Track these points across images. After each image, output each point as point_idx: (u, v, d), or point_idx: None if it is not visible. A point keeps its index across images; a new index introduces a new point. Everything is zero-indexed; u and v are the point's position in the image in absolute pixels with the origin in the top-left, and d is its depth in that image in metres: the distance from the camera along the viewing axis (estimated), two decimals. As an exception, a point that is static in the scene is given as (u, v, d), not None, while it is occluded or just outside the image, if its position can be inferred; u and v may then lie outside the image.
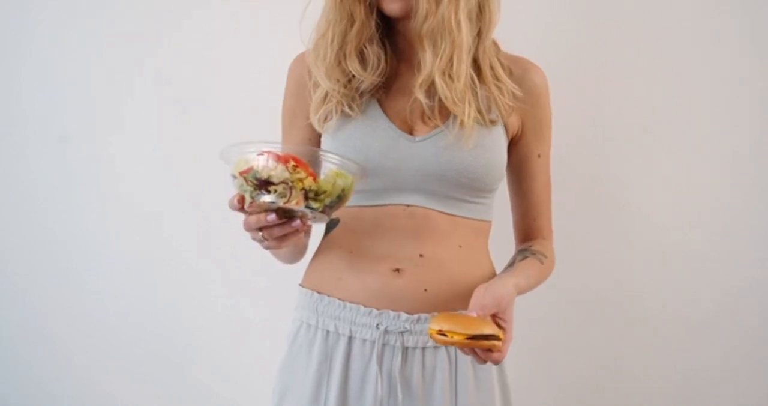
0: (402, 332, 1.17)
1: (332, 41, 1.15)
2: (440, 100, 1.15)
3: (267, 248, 1.09)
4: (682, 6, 1.57)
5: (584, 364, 1.66)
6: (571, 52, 1.59)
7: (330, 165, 1.03)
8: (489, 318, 1.05)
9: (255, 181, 0.99)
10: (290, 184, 0.99)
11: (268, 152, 0.99)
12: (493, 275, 1.24)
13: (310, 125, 1.24)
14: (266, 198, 1.00)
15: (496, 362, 1.05)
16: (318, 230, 1.26)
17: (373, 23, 1.16)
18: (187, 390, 1.77)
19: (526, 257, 1.24)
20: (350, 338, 1.19)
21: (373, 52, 1.16)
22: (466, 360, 1.18)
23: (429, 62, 1.12)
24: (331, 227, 1.24)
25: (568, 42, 1.60)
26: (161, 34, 1.71)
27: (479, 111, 1.16)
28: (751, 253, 1.60)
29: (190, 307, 1.75)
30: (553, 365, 1.66)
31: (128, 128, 1.74)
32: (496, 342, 1.02)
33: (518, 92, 1.20)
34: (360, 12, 1.14)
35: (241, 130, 1.65)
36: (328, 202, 1.03)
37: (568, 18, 1.60)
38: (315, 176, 1.01)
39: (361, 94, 1.17)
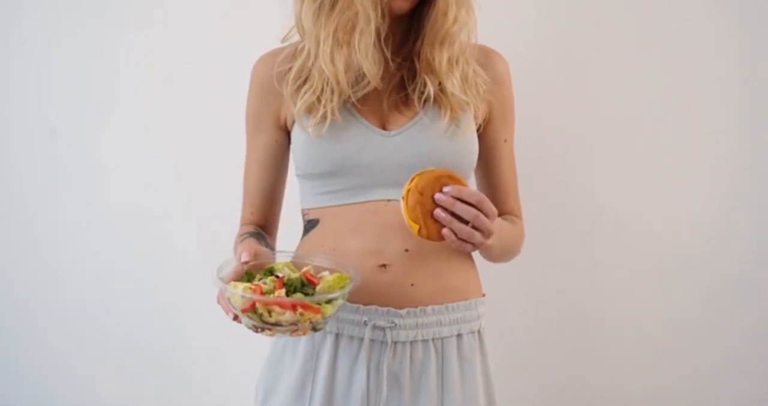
0: (390, 327, 1.16)
1: (366, 39, 1.12)
2: (416, 91, 1.17)
3: None
4: (670, 5, 1.57)
5: (568, 363, 1.66)
6: (556, 52, 1.59)
7: (327, 273, 1.06)
8: None
9: (260, 320, 1.00)
10: (298, 324, 1.00)
11: (272, 301, 0.99)
12: (474, 268, 1.26)
13: (276, 126, 1.24)
14: (271, 333, 1.01)
15: (488, 212, 1.05)
16: (296, 231, 1.27)
17: (384, 28, 1.15)
18: (186, 390, 1.77)
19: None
20: (337, 336, 1.18)
21: (379, 56, 1.16)
22: (452, 352, 1.19)
23: (445, 60, 1.15)
24: (310, 227, 1.23)
25: (553, 41, 1.59)
26: (154, 27, 1.70)
27: (469, 102, 1.19)
28: (737, 254, 1.60)
29: (189, 307, 1.74)
30: (537, 364, 1.66)
31: (122, 125, 1.73)
32: (450, 171, 1.04)
33: (487, 78, 1.22)
34: (377, 14, 1.12)
35: (235, 125, 1.66)
36: (331, 317, 1.05)
37: (554, 16, 1.59)
38: (319, 310, 1.01)
39: (355, 96, 1.16)
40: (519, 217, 1.32)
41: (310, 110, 1.17)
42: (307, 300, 1.00)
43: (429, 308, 1.18)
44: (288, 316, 0.99)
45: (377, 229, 1.17)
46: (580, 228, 1.62)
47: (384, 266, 1.16)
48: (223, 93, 1.65)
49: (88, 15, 1.71)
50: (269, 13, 1.52)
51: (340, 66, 1.14)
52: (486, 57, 1.25)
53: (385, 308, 1.17)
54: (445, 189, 1.04)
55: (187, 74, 1.69)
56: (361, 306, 1.17)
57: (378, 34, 1.14)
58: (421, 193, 1.03)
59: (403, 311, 1.17)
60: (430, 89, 1.16)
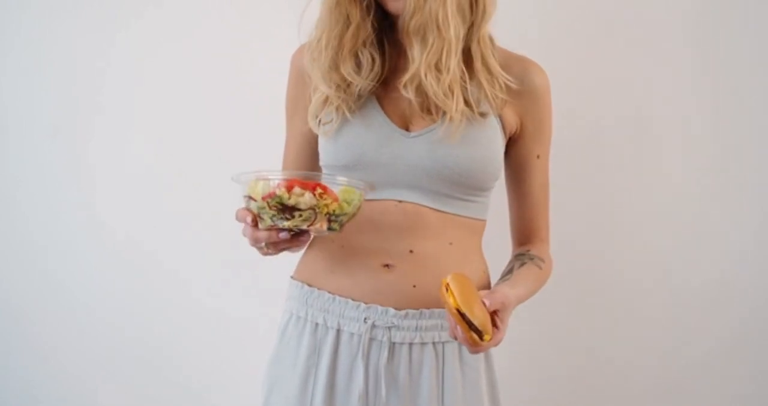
0: (389, 327, 1.17)
1: (327, 46, 1.15)
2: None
3: (266, 254, 1.13)
4: (676, 4, 1.58)
5: (577, 370, 1.66)
6: (562, 52, 1.60)
7: (339, 186, 1.06)
8: (488, 315, 1.04)
9: (279, 207, 1.01)
10: (316, 210, 1.02)
11: (293, 180, 1.02)
12: (486, 274, 1.25)
13: None
14: (289, 223, 1.02)
15: (469, 351, 1.07)
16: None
17: (369, 25, 1.16)
18: (184, 395, 1.76)
19: (524, 264, 1.23)
20: (338, 332, 1.19)
21: (368, 55, 1.16)
22: (453, 357, 1.18)
23: (417, 58, 1.12)
24: None
25: (561, 42, 1.61)
26: (147, 30, 1.71)
27: (468, 105, 1.15)
28: (736, 250, 1.62)
29: (187, 311, 1.75)
30: (546, 371, 1.66)
31: (113, 131, 1.73)
32: (476, 338, 1.02)
33: (513, 85, 1.18)
34: (356, 14, 1.14)
35: (226, 125, 1.68)
36: (345, 220, 1.07)
37: (559, 18, 1.61)
38: (337, 199, 1.03)
39: (360, 97, 1.17)
40: (545, 239, 1.29)
41: (321, 109, 1.19)
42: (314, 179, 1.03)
43: (429, 311, 1.18)
44: (307, 197, 1.01)
45: (384, 229, 1.17)
46: (591, 233, 1.62)
47: (388, 265, 1.17)
48: (217, 99, 1.68)
49: (79, 20, 1.72)
50: (271, 20, 1.53)
51: (319, 73, 1.16)
52: (523, 68, 1.21)
53: (385, 308, 1.17)
54: (458, 335, 1.04)
55: (180, 80, 1.70)
56: (362, 304, 1.18)
57: (357, 34, 1.15)
58: (449, 310, 1.03)
59: (403, 313, 1.17)
60: (410, 92, 1.14)
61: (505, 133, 1.21)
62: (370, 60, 1.16)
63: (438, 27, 1.10)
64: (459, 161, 1.15)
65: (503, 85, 1.18)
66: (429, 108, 1.16)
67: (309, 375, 1.20)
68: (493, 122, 1.18)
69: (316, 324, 1.21)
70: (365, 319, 1.17)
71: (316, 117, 1.20)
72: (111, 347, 1.77)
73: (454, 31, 1.11)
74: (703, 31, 1.58)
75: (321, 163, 1.24)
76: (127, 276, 1.76)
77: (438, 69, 1.12)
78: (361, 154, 1.16)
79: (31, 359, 1.81)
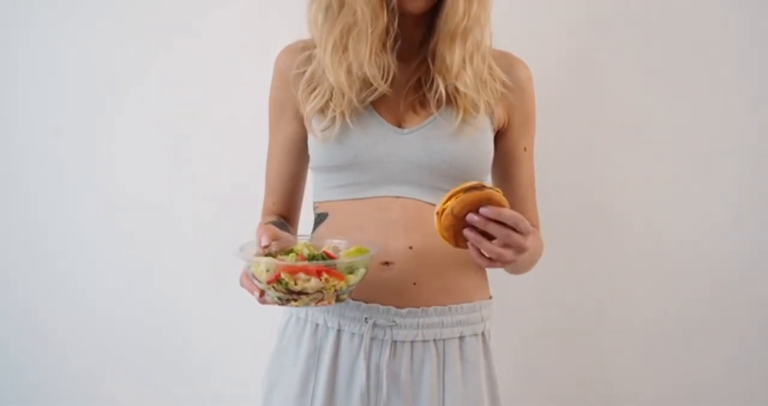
0: (390, 326, 1.16)
1: (354, 42, 1.13)
2: (432, 92, 1.16)
3: None
4: (676, 6, 1.58)
5: (575, 367, 1.66)
6: (562, 54, 1.60)
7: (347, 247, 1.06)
8: None
9: (286, 290, 1.00)
10: (323, 291, 1.01)
11: (296, 267, 1.00)
12: (483, 269, 1.24)
13: (297, 118, 1.24)
14: (298, 304, 1.01)
15: (523, 231, 1.01)
16: (307, 224, 1.27)
17: (393, 30, 1.15)
18: (184, 388, 1.77)
19: None
20: (339, 332, 1.18)
21: (387, 59, 1.16)
22: (454, 354, 1.18)
23: (458, 57, 1.15)
24: (319, 221, 1.23)
25: (557, 44, 1.60)
26: (161, 30, 1.71)
27: (487, 102, 1.19)
28: (748, 256, 1.61)
29: (188, 305, 1.75)
30: (544, 367, 1.66)
31: (124, 125, 1.73)
32: (492, 192, 0.98)
33: (507, 81, 1.22)
34: (383, 16, 1.13)
35: (234, 126, 1.67)
36: (353, 288, 1.06)
37: (558, 18, 1.60)
38: (343, 277, 1.02)
39: (363, 101, 1.17)
40: (536, 227, 1.30)
41: (319, 114, 1.18)
42: (331, 265, 1.01)
43: (431, 309, 1.17)
44: (313, 283, 0.99)
45: (383, 226, 1.16)
46: (590, 232, 1.62)
47: (387, 263, 1.16)
48: (227, 93, 1.68)
49: (96, 16, 1.71)
50: (272, 19, 1.53)
51: (342, 72, 1.14)
52: (509, 64, 1.24)
53: (386, 307, 1.16)
54: (482, 210, 0.99)
55: (191, 73, 1.70)
56: (363, 303, 1.17)
57: (382, 37, 1.14)
58: (456, 217, 1.00)
59: (404, 311, 1.16)
60: (441, 90, 1.16)
61: (493, 127, 1.23)
62: (388, 65, 1.16)
63: (481, 29, 1.16)
64: (456, 156, 1.16)
65: (501, 80, 1.21)
66: (423, 103, 1.17)
67: (309, 375, 1.19)
68: (484, 117, 1.20)
69: (317, 325, 1.20)
70: (366, 319, 1.17)
71: (313, 122, 1.18)
72: (110, 346, 1.78)
73: (487, 33, 1.18)
74: (702, 30, 1.58)
75: (312, 164, 1.23)
76: (127, 276, 1.76)
77: (470, 68, 1.16)
78: (356, 154, 1.16)
79: (42, 352, 1.81)
